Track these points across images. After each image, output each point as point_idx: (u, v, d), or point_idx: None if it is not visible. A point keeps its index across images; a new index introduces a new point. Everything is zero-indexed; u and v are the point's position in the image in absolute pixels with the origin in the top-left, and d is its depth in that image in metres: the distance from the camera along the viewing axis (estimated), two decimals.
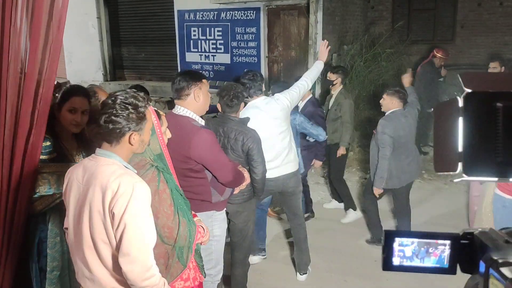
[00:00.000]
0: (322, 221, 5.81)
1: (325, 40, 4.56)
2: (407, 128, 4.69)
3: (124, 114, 2.07)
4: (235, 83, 3.86)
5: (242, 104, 3.81)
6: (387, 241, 1.10)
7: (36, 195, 2.75)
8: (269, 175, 3.95)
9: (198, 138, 3.08)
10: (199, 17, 10.36)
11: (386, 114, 4.75)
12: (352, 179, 7.12)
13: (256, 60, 9.94)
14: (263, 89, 4.19)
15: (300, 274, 4.55)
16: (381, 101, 4.81)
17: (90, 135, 3.07)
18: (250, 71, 4.20)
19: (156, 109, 2.55)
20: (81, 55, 11.71)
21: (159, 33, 11.21)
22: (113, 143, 2.13)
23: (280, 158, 4.15)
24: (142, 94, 2.20)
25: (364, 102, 8.69)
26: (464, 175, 1.02)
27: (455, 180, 1.05)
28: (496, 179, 1.04)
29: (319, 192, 6.76)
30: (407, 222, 4.97)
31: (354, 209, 5.84)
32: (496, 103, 1.01)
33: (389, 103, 4.72)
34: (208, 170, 3.22)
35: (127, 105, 2.09)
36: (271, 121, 4.06)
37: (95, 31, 11.59)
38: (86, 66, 11.71)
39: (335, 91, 5.71)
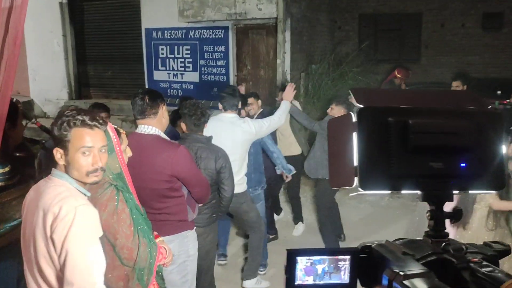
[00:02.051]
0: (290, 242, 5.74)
1: (293, 84, 4.74)
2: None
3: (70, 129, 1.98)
4: (197, 101, 3.78)
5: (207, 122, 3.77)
6: (289, 261, 1.07)
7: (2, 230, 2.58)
8: None
9: (180, 155, 3.06)
10: (167, 35, 10.29)
11: None
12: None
13: (225, 78, 9.92)
14: (239, 107, 4.29)
15: (245, 279, 4.65)
16: (328, 111, 5.14)
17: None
18: (231, 86, 4.30)
19: (116, 127, 2.45)
20: (46, 73, 11.45)
21: (126, 51, 11.07)
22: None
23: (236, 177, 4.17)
24: (98, 114, 2.09)
25: None
26: (360, 189, 1.03)
27: (350, 195, 1.07)
28: (390, 192, 1.06)
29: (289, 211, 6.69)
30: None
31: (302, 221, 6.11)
32: (388, 118, 1.03)
33: (337, 113, 4.98)
34: (187, 187, 3.19)
35: (75, 122, 1.98)
36: (227, 142, 4.05)
37: (60, 49, 11.38)
38: (50, 84, 11.45)
39: None
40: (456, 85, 6.22)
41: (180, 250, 3.16)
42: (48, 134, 2.89)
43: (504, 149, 1.10)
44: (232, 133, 4.15)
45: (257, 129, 4.25)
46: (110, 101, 10.63)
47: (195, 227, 3.39)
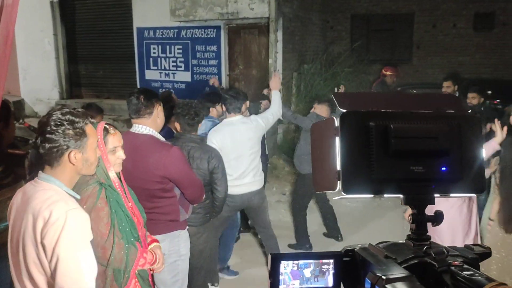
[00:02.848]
0: None
1: (277, 72, 4.73)
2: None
3: (60, 131, 1.91)
4: (191, 101, 3.80)
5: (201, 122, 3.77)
6: (273, 265, 1.07)
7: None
8: (236, 191, 4.19)
9: (172, 156, 3.04)
10: (158, 34, 10.25)
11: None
12: None
13: (217, 78, 9.88)
14: (243, 109, 4.34)
15: None
16: (312, 110, 5.26)
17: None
18: (235, 89, 4.33)
19: (108, 126, 2.44)
20: (37, 72, 11.35)
21: (117, 51, 11.00)
22: (54, 165, 1.96)
23: (248, 176, 4.28)
24: (81, 110, 2.06)
25: None
26: (342, 193, 1.04)
27: (334, 198, 1.08)
28: (372, 195, 1.07)
29: (280, 210, 6.69)
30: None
31: None
32: (369, 122, 1.05)
33: (320, 111, 5.15)
34: (179, 188, 3.17)
35: (62, 121, 1.92)
36: (246, 141, 4.22)
37: (51, 48, 11.29)
38: (41, 83, 11.35)
39: None
40: (447, 85, 6.25)
41: (171, 249, 3.15)
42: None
43: (483, 152, 1.11)
44: (247, 133, 4.26)
45: (265, 122, 4.42)
46: (101, 100, 10.57)
47: (187, 227, 3.38)
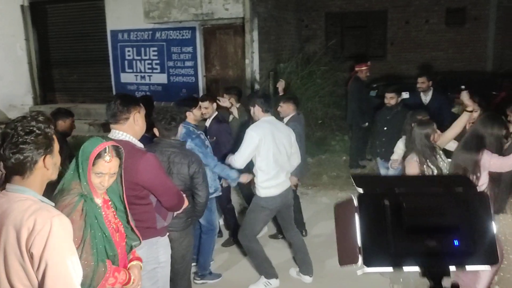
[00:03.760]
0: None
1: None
2: (301, 131, 5.25)
3: (32, 139, 1.89)
4: (169, 106, 3.77)
5: (181, 126, 3.73)
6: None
7: None
8: (275, 192, 4.29)
9: (145, 163, 2.97)
10: (133, 37, 10.16)
11: (286, 119, 5.23)
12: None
13: (194, 79, 9.86)
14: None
15: (310, 276, 4.66)
16: (279, 109, 5.32)
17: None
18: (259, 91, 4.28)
19: (112, 153, 2.38)
20: (9, 78, 11.15)
21: (91, 54, 10.87)
22: (26, 174, 1.93)
23: (282, 175, 4.34)
24: (44, 115, 2.02)
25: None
26: (364, 266, 1.12)
27: (358, 272, 1.15)
28: (391, 269, 1.14)
29: None
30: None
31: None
32: (384, 201, 1.15)
33: (286, 109, 5.27)
34: (154, 195, 3.10)
35: (31, 129, 1.90)
36: (285, 141, 4.33)
37: (23, 53, 11.10)
38: (14, 89, 11.15)
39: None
40: (422, 81, 6.32)
41: (149, 256, 3.11)
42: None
43: (494, 226, 1.20)
44: (287, 133, 4.38)
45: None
46: (76, 105, 10.44)
47: (167, 234, 3.33)
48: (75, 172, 2.34)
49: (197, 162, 3.62)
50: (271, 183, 4.25)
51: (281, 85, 6.97)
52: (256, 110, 4.35)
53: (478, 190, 1.25)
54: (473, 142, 3.68)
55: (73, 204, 2.24)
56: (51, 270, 1.81)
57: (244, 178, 4.60)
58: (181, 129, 3.79)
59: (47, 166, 1.95)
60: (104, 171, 2.35)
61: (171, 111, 3.61)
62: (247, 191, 5.25)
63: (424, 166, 3.90)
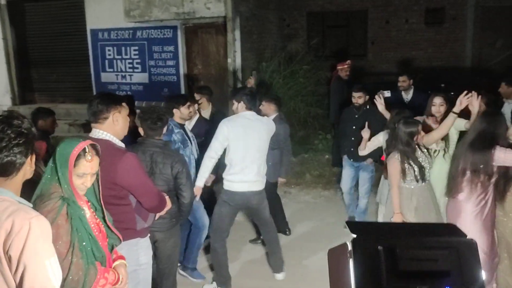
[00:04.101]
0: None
1: None
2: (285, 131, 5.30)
3: (24, 140, 1.91)
4: (156, 106, 3.77)
5: (165, 127, 3.73)
6: None
7: None
8: (238, 188, 4.23)
9: (124, 162, 2.93)
10: (113, 36, 10.05)
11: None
12: None
13: (176, 79, 9.80)
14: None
15: (280, 273, 4.66)
16: (260, 107, 5.23)
17: None
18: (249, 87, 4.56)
19: (92, 153, 2.33)
20: None
21: (71, 53, 10.70)
22: (12, 175, 1.92)
23: (252, 174, 4.25)
24: (19, 114, 1.99)
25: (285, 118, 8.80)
26: None
27: None
28: None
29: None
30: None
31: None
32: (377, 246, 1.19)
33: (267, 109, 5.25)
34: (134, 196, 3.06)
35: (20, 130, 1.90)
36: (256, 137, 4.24)
37: (1, 53, 10.88)
38: None
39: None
40: (403, 80, 6.41)
41: (129, 258, 3.03)
42: None
43: (483, 273, 1.24)
44: (259, 130, 4.29)
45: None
46: (56, 105, 10.26)
47: (148, 235, 3.29)
48: (52, 176, 2.28)
49: (181, 162, 3.61)
50: (235, 177, 4.22)
51: (250, 82, 6.97)
52: (240, 106, 4.31)
53: (467, 238, 1.29)
54: (483, 141, 3.64)
55: (57, 208, 2.19)
56: (29, 272, 1.78)
57: (197, 191, 4.32)
58: (165, 129, 3.78)
59: (32, 165, 1.95)
60: (86, 171, 2.31)
61: (158, 111, 3.63)
62: (206, 195, 5.05)
63: (405, 164, 3.95)
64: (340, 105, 7.52)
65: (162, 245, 3.70)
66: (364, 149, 4.87)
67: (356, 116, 5.51)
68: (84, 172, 2.31)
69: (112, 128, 2.99)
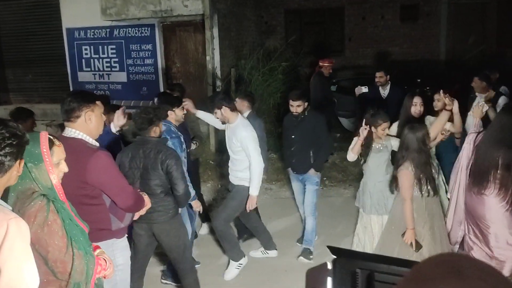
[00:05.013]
0: None
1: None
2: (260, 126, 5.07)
3: (18, 141, 1.91)
4: (149, 107, 3.86)
5: (160, 124, 3.78)
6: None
7: None
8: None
9: (95, 160, 2.85)
10: (90, 35, 9.94)
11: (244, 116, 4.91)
12: None
13: (154, 77, 9.76)
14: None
15: (275, 249, 5.06)
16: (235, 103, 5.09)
17: None
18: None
19: (52, 137, 2.32)
20: None
21: (47, 53, 10.56)
22: None
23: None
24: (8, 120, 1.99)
25: (264, 115, 8.84)
26: None
27: None
28: None
29: None
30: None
31: None
32: (355, 269, 1.24)
33: (240, 105, 4.98)
34: (107, 195, 2.98)
35: (15, 131, 1.90)
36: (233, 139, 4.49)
37: None
38: None
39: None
40: (380, 75, 6.51)
41: None
42: None
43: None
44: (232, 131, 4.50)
45: (246, 147, 4.54)
46: (32, 105, 10.08)
47: (125, 235, 3.22)
48: (24, 178, 2.18)
49: (172, 157, 3.64)
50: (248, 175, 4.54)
51: None
52: (224, 111, 4.39)
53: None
54: (507, 136, 3.56)
55: (45, 206, 2.16)
56: (5, 275, 1.75)
57: (196, 205, 4.41)
58: (161, 127, 3.84)
59: (19, 171, 1.94)
60: (61, 156, 2.34)
61: (147, 114, 3.70)
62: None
63: (420, 175, 3.77)
64: (321, 100, 7.61)
65: (164, 236, 3.78)
66: (353, 153, 4.36)
67: (295, 124, 4.91)
68: (59, 158, 2.31)
69: (85, 126, 2.92)
